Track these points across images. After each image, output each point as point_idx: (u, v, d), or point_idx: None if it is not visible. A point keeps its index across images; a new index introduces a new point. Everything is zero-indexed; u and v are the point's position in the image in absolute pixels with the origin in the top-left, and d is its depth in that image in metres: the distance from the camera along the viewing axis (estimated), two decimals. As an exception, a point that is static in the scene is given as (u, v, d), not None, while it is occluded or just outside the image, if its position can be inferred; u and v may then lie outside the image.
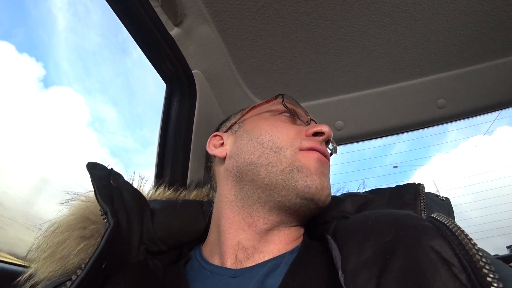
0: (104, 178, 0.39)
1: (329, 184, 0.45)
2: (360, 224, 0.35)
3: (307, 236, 0.47)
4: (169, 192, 0.56)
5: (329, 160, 0.48)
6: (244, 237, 0.43)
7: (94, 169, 0.39)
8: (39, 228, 0.42)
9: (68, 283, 0.28)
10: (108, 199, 0.36)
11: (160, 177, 0.71)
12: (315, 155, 0.45)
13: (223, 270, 0.40)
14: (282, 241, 0.43)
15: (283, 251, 0.41)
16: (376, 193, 0.47)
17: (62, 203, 0.44)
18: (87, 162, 0.40)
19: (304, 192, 0.41)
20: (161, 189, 0.55)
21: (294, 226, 0.45)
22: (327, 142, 0.50)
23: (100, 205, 0.36)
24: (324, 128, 0.47)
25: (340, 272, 0.31)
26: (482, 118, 0.99)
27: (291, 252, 0.41)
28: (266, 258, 0.40)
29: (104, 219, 0.35)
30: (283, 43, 0.80)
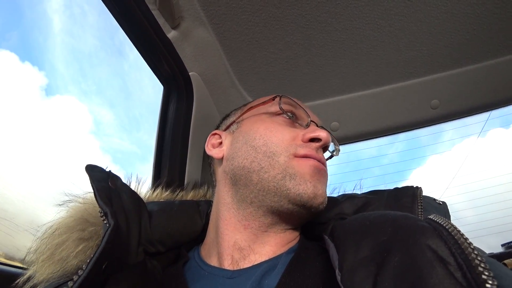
0: (103, 180, 0.39)
1: (325, 192, 0.43)
2: (357, 224, 0.35)
3: (304, 237, 0.47)
4: (167, 193, 0.56)
5: (325, 166, 0.46)
6: (240, 237, 0.43)
7: (93, 171, 0.40)
8: (37, 230, 0.42)
9: (70, 283, 0.29)
10: (108, 200, 0.37)
11: (157, 178, 0.72)
12: (311, 162, 0.43)
13: (220, 271, 0.41)
14: (278, 243, 0.43)
15: (278, 252, 0.42)
16: (374, 195, 0.47)
17: (60, 205, 0.44)
18: (86, 165, 0.40)
19: (296, 200, 0.40)
20: (158, 190, 0.55)
21: (290, 228, 0.45)
22: (325, 148, 0.48)
23: (100, 206, 0.36)
24: (322, 134, 0.45)
25: (337, 271, 0.31)
26: (475, 119, 1.01)
27: (288, 252, 0.41)
28: (263, 259, 0.41)
29: (103, 220, 0.35)
30: (278, 46, 0.80)
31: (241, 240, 0.43)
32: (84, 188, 0.44)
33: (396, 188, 0.48)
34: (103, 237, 0.32)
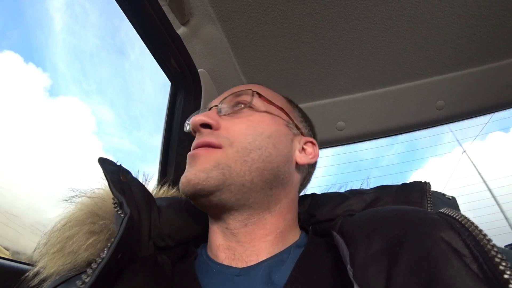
0: (115, 172, 0.39)
1: (199, 170, 0.40)
2: (367, 219, 0.35)
3: (313, 232, 0.47)
4: (173, 191, 0.56)
5: (206, 145, 0.43)
6: (222, 237, 0.43)
7: (105, 164, 0.40)
8: (45, 226, 0.42)
9: (89, 271, 0.28)
10: (121, 191, 0.37)
11: (163, 176, 0.71)
12: (188, 156, 0.43)
13: (227, 268, 0.40)
14: (260, 238, 0.41)
15: (279, 247, 0.41)
16: (382, 190, 0.47)
17: (66, 200, 0.44)
18: (98, 158, 0.40)
19: (185, 195, 0.41)
20: (164, 188, 0.55)
21: (250, 221, 0.42)
22: (206, 125, 0.44)
23: (115, 196, 0.36)
24: (192, 122, 0.45)
25: (348, 266, 0.31)
26: (475, 121, 1.01)
27: (296, 247, 0.41)
28: (265, 257, 0.40)
29: (117, 211, 0.35)
30: (286, 44, 0.81)
31: (224, 239, 0.43)
32: (90, 185, 0.45)
33: (404, 184, 0.47)
34: (119, 226, 0.32)
